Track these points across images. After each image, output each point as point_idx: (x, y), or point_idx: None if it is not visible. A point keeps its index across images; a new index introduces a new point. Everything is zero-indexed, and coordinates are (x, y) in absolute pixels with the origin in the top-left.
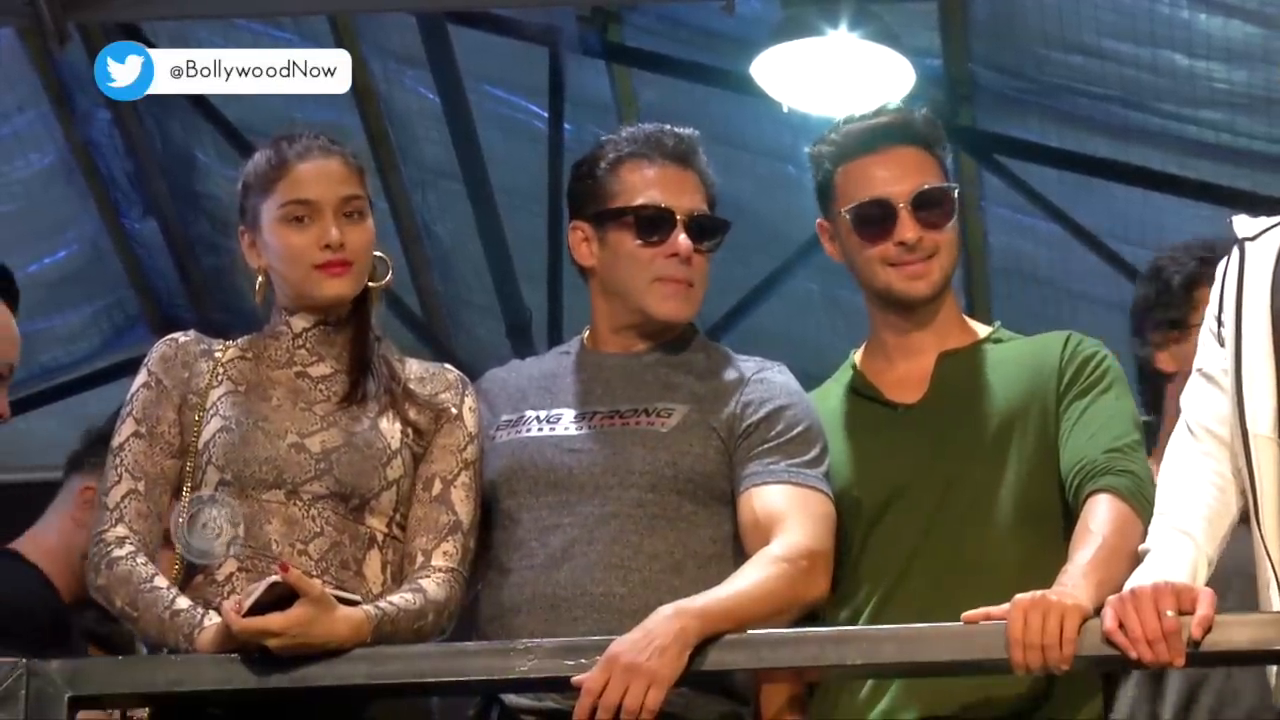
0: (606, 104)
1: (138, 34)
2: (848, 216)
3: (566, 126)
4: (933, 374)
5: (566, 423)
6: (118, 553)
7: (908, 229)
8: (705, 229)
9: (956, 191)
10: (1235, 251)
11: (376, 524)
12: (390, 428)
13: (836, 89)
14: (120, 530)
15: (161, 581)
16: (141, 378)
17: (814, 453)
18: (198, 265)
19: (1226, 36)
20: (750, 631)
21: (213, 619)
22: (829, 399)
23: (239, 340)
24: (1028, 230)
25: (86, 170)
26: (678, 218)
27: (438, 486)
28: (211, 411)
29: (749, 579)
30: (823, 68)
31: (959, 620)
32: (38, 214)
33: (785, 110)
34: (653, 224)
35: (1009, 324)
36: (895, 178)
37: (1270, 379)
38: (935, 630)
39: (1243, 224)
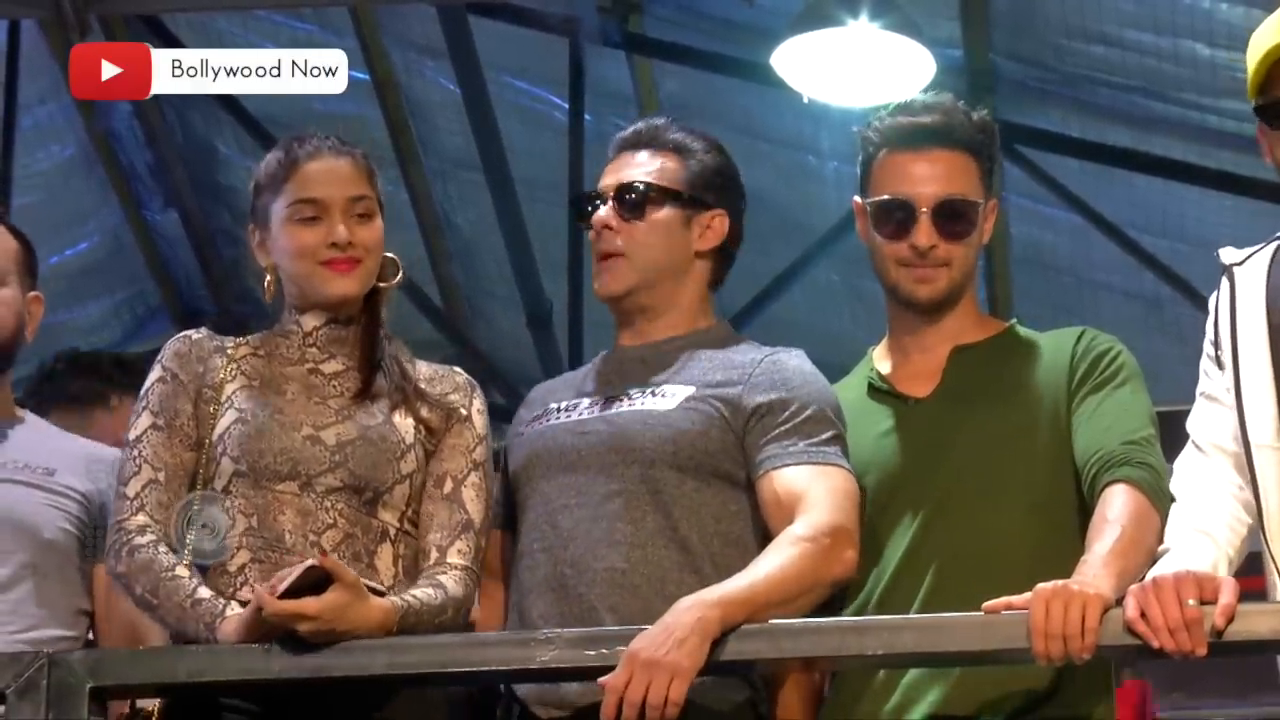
0: (627, 95)
1: (158, 26)
2: (869, 209)
3: (587, 117)
4: (945, 368)
5: (581, 409)
6: (139, 540)
7: (923, 235)
8: (628, 198)
9: (983, 206)
10: (1224, 280)
11: (389, 518)
12: (404, 423)
13: (857, 79)
14: (141, 519)
15: (183, 571)
16: (156, 374)
17: (831, 432)
18: (218, 256)
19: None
20: (770, 621)
21: (234, 609)
22: (847, 392)
23: (251, 338)
24: (1048, 220)
25: (107, 162)
26: (602, 194)
27: (449, 484)
28: (226, 405)
29: (770, 563)
30: (843, 58)
31: (966, 609)
32: (59, 206)
33: (806, 100)
34: (581, 205)
35: (1029, 314)
36: (924, 180)
37: (1270, 390)
38: (956, 620)
39: (1229, 253)
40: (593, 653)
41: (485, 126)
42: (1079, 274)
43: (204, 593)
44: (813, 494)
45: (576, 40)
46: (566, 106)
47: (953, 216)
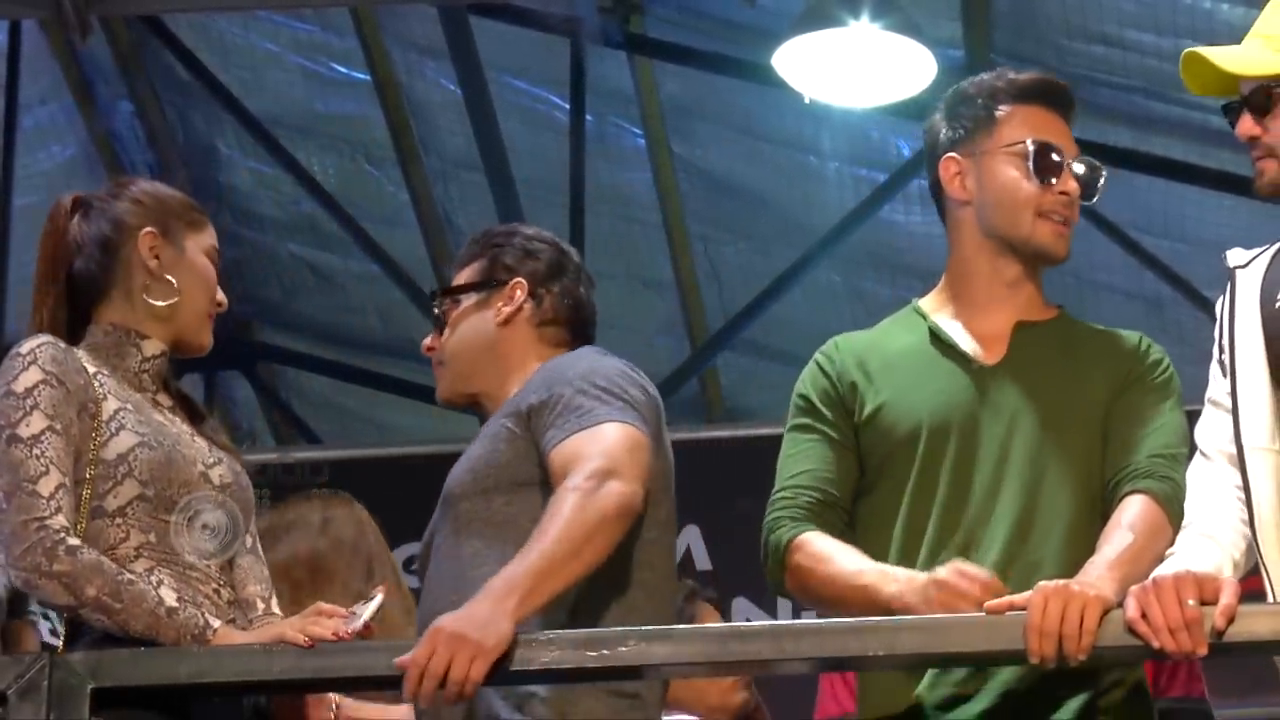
0: (628, 95)
1: (159, 27)
2: (1030, 146)
3: (588, 118)
4: (1011, 340)
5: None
6: (74, 541)
7: (1070, 182)
8: (437, 318)
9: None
10: (1228, 283)
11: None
12: None
13: (858, 80)
14: (63, 520)
15: (133, 577)
16: (37, 374)
17: (599, 398)
18: (219, 256)
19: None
20: (770, 623)
21: (215, 623)
22: (895, 339)
23: (83, 348)
24: None
25: (108, 162)
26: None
27: (249, 540)
28: (114, 424)
29: (546, 522)
30: (845, 58)
31: (1033, 579)
32: None
33: (807, 101)
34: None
35: None
36: (1065, 136)
37: (1266, 392)
38: (955, 620)
39: (1235, 255)
40: (593, 654)
41: (486, 127)
42: (1079, 274)
43: (171, 600)
44: (579, 453)
45: (577, 41)
46: (568, 107)
47: (1089, 178)
